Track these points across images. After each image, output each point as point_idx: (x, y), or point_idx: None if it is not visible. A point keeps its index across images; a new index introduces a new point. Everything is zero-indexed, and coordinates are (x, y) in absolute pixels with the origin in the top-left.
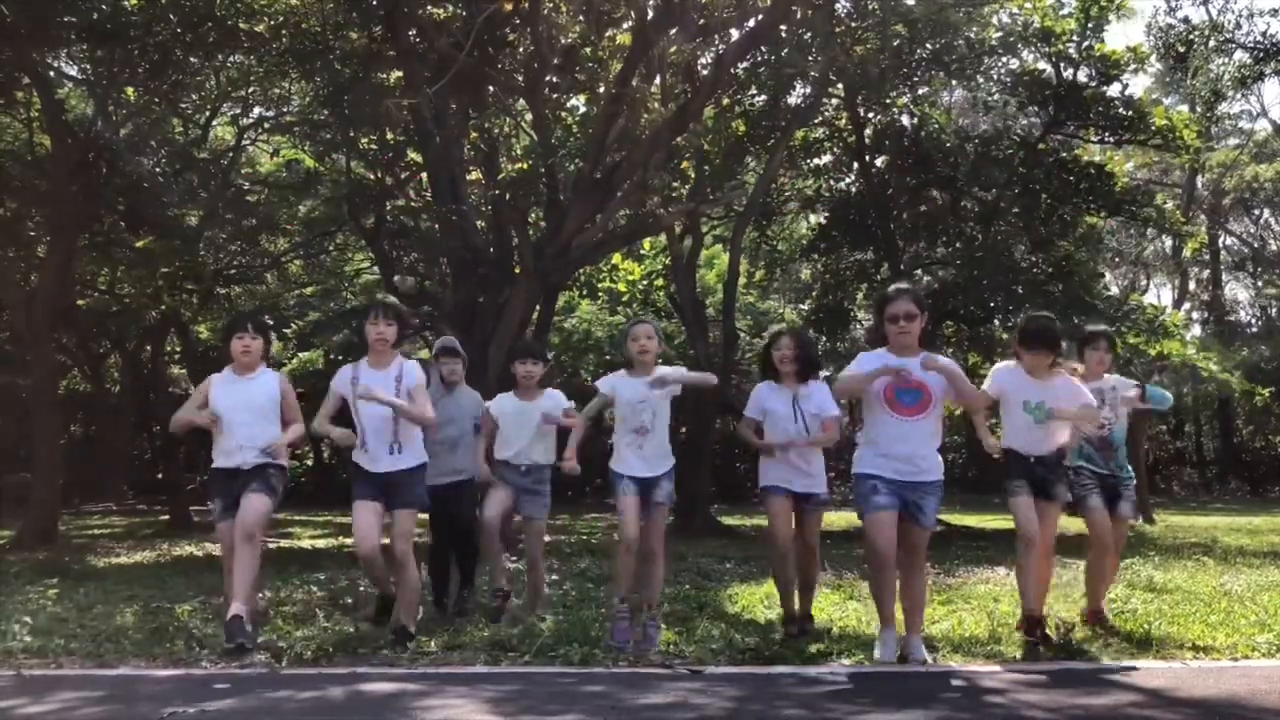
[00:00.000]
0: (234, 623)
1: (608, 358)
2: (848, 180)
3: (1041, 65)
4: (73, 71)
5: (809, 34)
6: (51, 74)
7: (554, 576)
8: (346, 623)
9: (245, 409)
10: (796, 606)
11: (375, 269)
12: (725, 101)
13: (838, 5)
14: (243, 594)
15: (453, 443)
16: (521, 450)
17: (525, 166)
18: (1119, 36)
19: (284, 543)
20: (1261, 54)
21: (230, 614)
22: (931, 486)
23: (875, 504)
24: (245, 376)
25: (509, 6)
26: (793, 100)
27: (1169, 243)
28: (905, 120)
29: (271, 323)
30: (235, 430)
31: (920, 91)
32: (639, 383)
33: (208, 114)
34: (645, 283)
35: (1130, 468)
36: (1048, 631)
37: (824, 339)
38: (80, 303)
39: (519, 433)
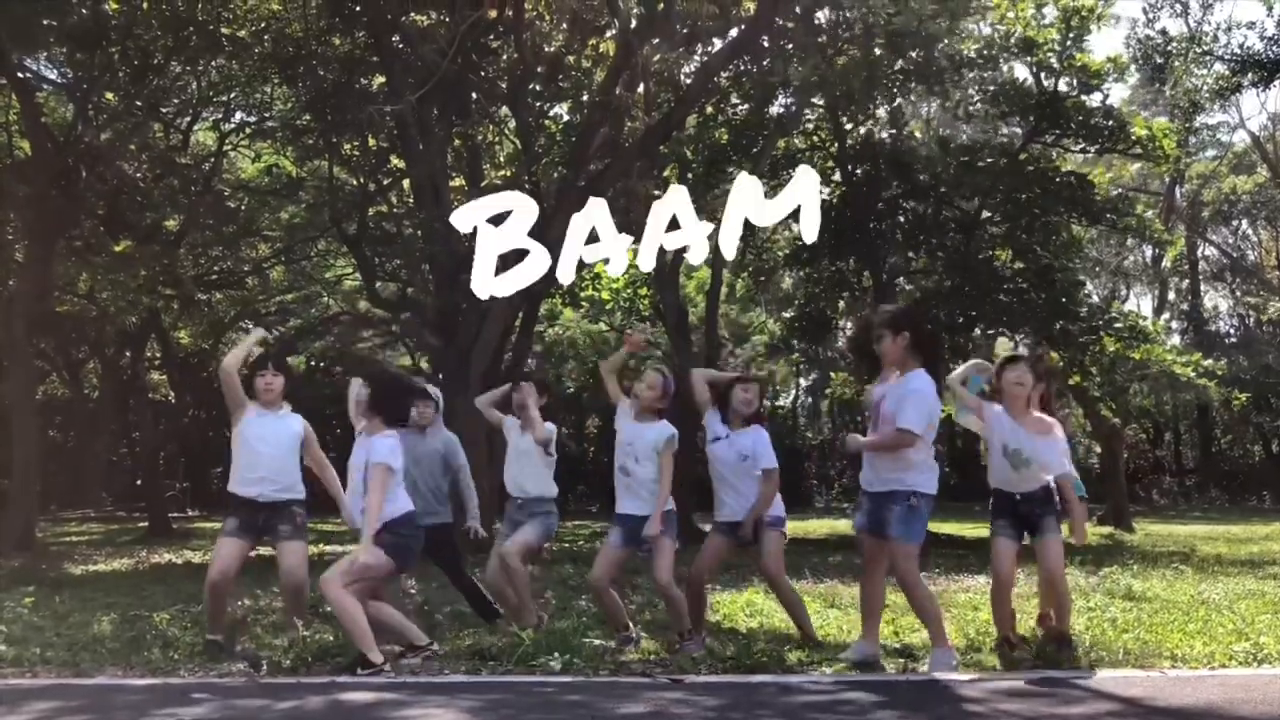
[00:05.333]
0: (213, 645)
1: (589, 366)
2: (828, 190)
3: (1022, 74)
4: (53, 75)
5: (791, 44)
6: (31, 78)
7: (534, 584)
8: (325, 632)
9: (273, 443)
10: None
11: (357, 275)
12: (709, 110)
13: (818, 16)
14: (298, 615)
15: (412, 485)
16: (511, 480)
17: (509, 173)
18: (1098, 46)
19: (265, 551)
20: (1239, 66)
21: (211, 637)
22: (885, 498)
23: (855, 523)
24: (272, 413)
25: (493, 14)
26: (775, 110)
27: (1149, 252)
28: (884, 131)
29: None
30: (259, 461)
31: (897, 103)
32: (632, 425)
33: (189, 119)
34: (629, 291)
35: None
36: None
37: (807, 347)
38: (59, 308)
39: (511, 462)
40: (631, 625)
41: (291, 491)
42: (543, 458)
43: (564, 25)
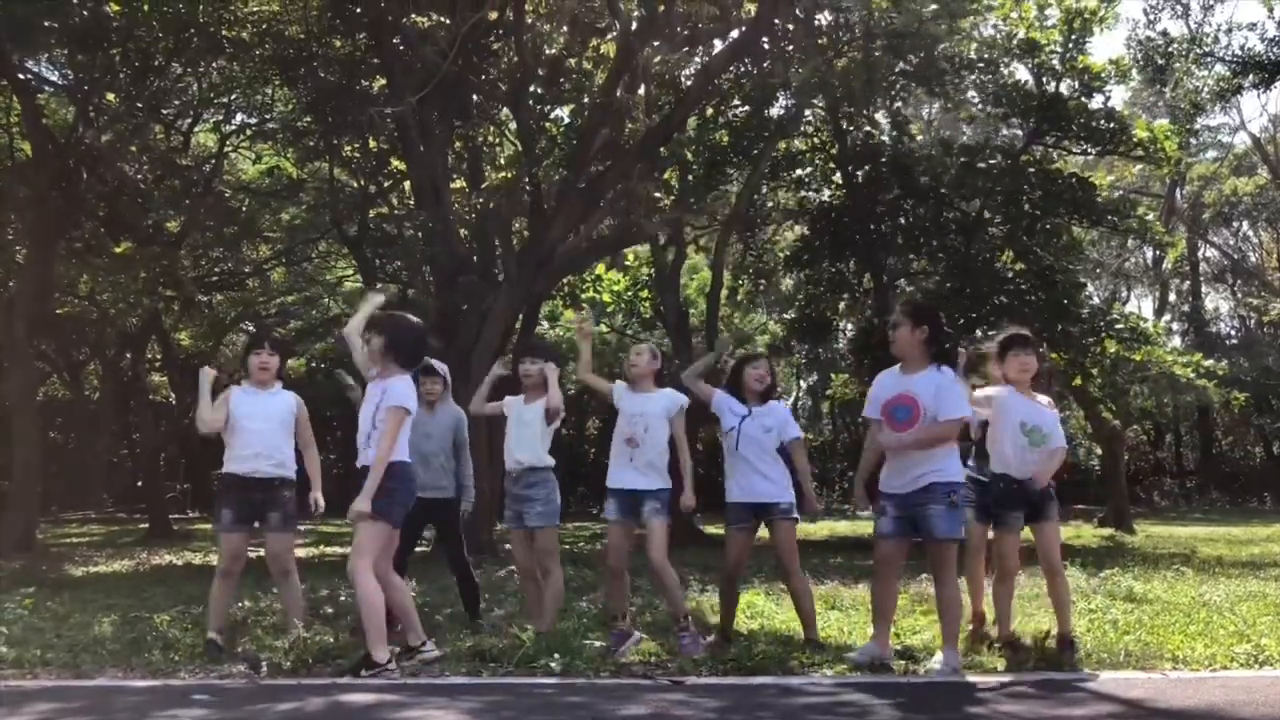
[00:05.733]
0: (212, 645)
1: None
2: (829, 192)
3: (1023, 75)
4: (54, 77)
5: (791, 46)
6: (32, 79)
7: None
8: (326, 633)
9: (265, 419)
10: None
11: (358, 277)
12: (709, 112)
13: (819, 18)
14: (296, 614)
15: (424, 459)
16: (509, 454)
17: (509, 175)
18: (1100, 48)
19: (264, 552)
20: (1240, 68)
21: (210, 636)
22: (922, 498)
23: (879, 527)
24: (264, 391)
25: (493, 16)
26: (775, 112)
27: (1150, 254)
28: (884, 133)
29: (279, 334)
30: (253, 438)
31: (896, 104)
32: (634, 397)
33: (190, 120)
34: (630, 293)
35: None
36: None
37: (807, 348)
38: (60, 310)
39: (511, 436)
40: (631, 624)
41: (284, 469)
42: (544, 428)
43: (565, 27)
